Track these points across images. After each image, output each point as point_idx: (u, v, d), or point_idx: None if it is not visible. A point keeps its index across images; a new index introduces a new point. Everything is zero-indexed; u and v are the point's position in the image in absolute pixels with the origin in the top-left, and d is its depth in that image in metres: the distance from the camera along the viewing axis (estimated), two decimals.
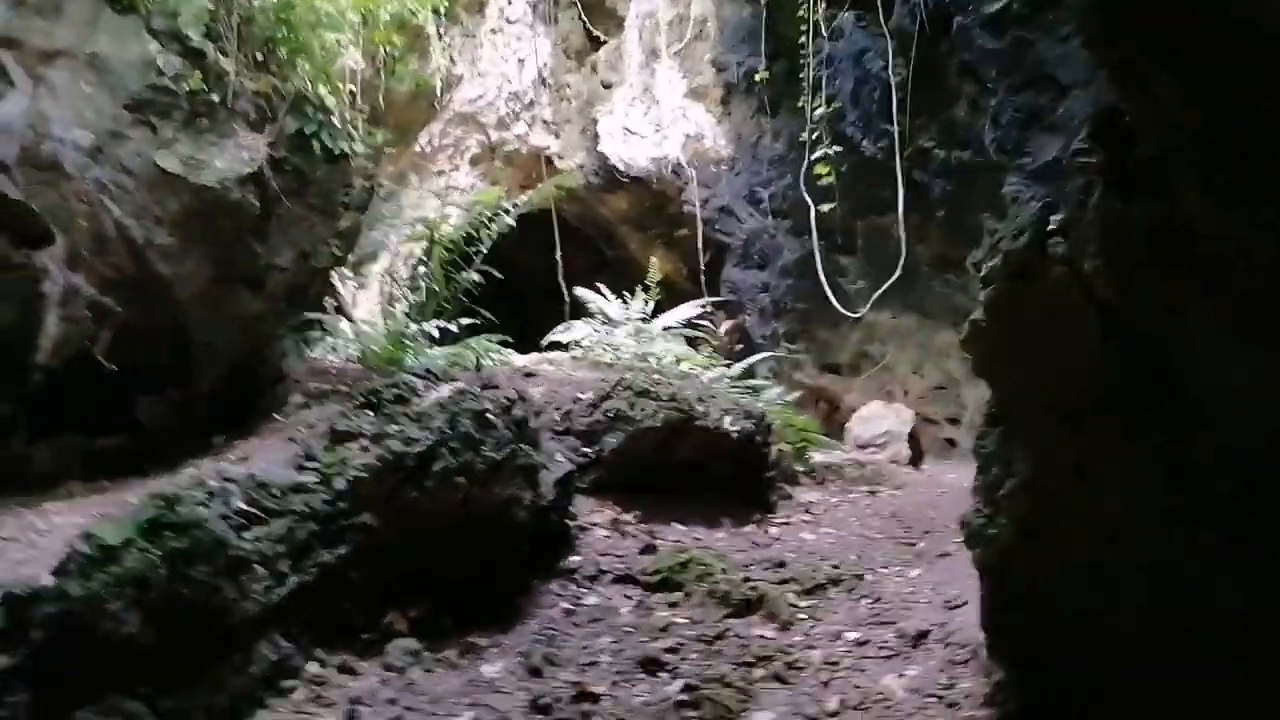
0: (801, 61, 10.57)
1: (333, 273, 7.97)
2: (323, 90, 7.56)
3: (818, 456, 7.28)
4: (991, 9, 8.04)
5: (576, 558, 4.84)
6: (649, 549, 4.99)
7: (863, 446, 8.46)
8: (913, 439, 8.42)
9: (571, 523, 5.14)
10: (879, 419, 8.55)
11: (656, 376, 6.37)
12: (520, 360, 8.60)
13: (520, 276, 14.94)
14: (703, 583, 4.58)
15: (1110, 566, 2.72)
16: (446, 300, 7.08)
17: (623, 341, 9.08)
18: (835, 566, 4.97)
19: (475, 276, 7.34)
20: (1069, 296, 2.68)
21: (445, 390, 4.64)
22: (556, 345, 9.32)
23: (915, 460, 8.35)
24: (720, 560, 4.85)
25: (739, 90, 12.82)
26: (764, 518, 5.95)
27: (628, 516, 5.42)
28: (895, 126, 8.81)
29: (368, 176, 7.17)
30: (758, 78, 11.36)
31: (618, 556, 4.92)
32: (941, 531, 5.84)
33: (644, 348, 8.91)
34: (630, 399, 5.76)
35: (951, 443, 11.51)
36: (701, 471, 5.89)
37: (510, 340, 7.20)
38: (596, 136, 13.38)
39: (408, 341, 6.47)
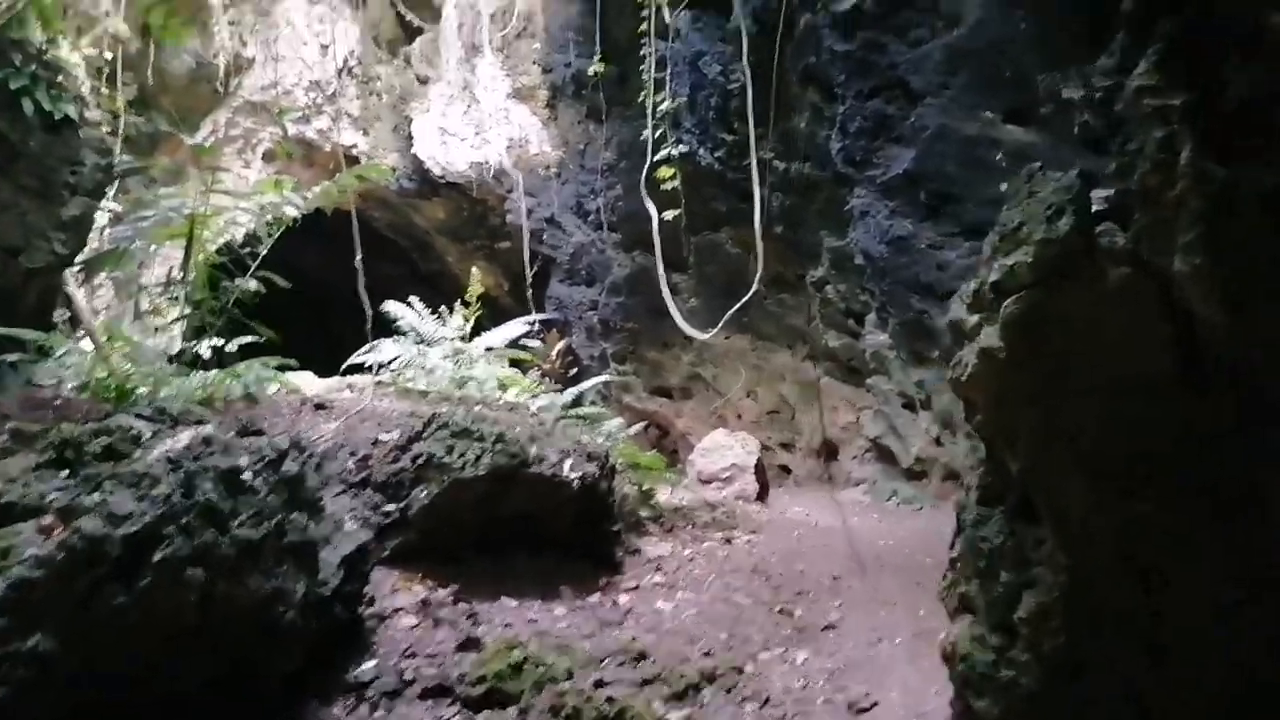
0: (637, 64, 9.54)
1: (67, 276, 6.19)
2: (63, 48, 5.85)
3: (663, 497, 6.20)
4: (842, 8, 7.30)
5: (371, 664, 3.49)
6: (470, 643, 3.69)
7: (707, 481, 7.48)
8: (759, 470, 7.51)
9: (367, 610, 3.79)
10: (723, 450, 7.59)
11: (480, 409, 5.09)
12: (314, 388, 7.06)
13: (323, 290, 13.20)
14: (543, 692, 3.35)
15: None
16: (213, 313, 5.50)
17: (438, 364, 7.69)
18: (707, 654, 3.86)
19: (253, 285, 5.79)
20: (1137, 309, 1.69)
21: (182, 439, 3.20)
22: (359, 369, 7.81)
23: (762, 494, 7.44)
24: (564, 654, 3.64)
25: (566, 93, 11.70)
26: (610, 581, 4.78)
27: (443, 594, 4.10)
28: (751, 132, 7.84)
29: (103, 152, 5.49)
30: (592, 73, 10.22)
31: (428, 657, 3.60)
32: (815, 590, 4.88)
33: (463, 371, 7.56)
34: (447, 440, 4.45)
35: (786, 469, 10.79)
36: (536, 528, 4.67)
37: (294, 364, 5.70)
38: (410, 136, 11.89)
39: (154, 367, 4.87)
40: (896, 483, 8.20)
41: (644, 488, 5.89)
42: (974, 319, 2.02)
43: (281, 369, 5.55)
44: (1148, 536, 1.74)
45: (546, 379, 7.19)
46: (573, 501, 4.70)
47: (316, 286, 15.08)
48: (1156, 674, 1.75)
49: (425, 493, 4.34)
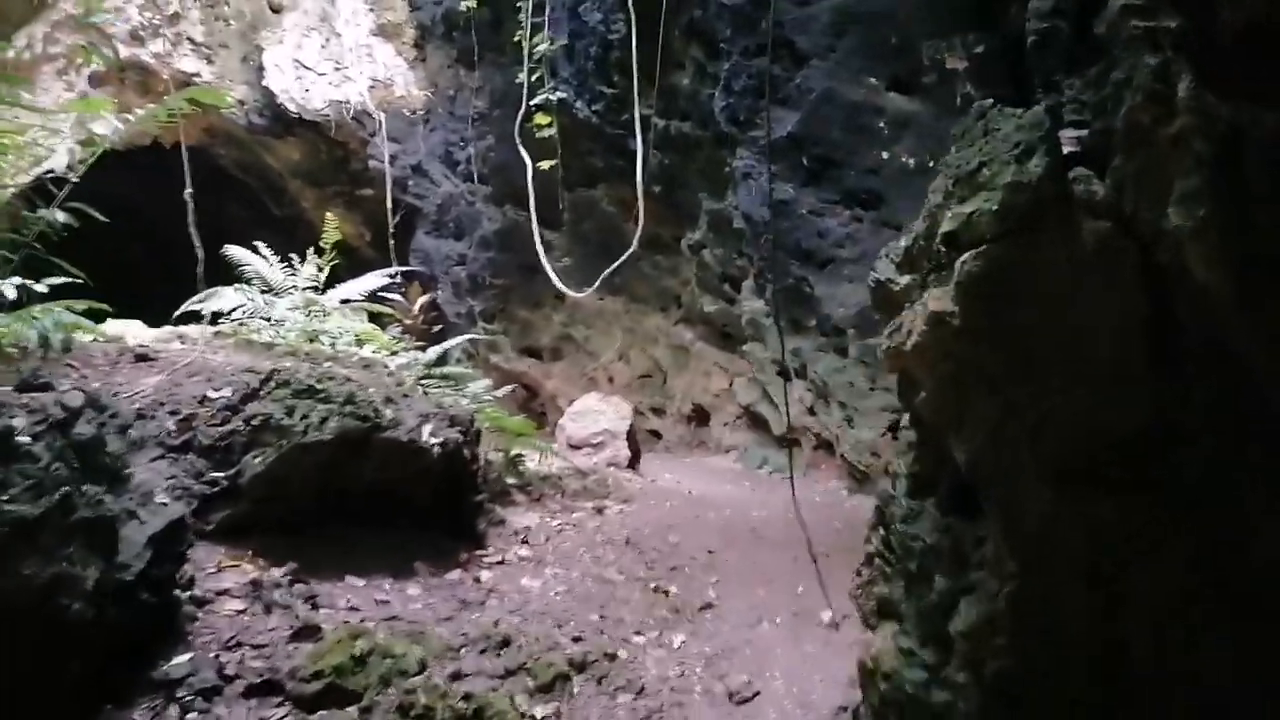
0: (512, 6, 8.91)
1: None
2: None
3: (531, 464, 5.80)
4: None
5: (185, 657, 2.96)
6: (306, 631, 3.21)
7: (577, 447, 7.12)
8: (630, 436, 7.20)
9: (185, 595, 3.24)
10: (594, 414, 7.24)
11: (329, 366, 4.54)
12: (139, 338, 6.27)
13: (163, 231, 12.01)
14: (390, 688, 2.93)
15: None
16: (10, 248, 4.71)
17: (286, 315, 6.99)
18: (577, 638, 3.51)
19: (60, 217, 4.98)
20: (1114, 274, 1.41)
21: None
22: (195, 318, 7.03)
23: (634, 461, 7.15)
24: (416, 642, 3.21)
25: (435, 34, 10.93)
26: (473, 556, 4.36)
27: (277, 573, 3.59)
28: (635, 86, 7.41)
29: None
30: (464, 9, 9.52)
31: (256, 648, 3.11)
32: (690, 565, 4.61)
33: (315, 324, 6.90)
34: (288, 400, 3.90)
35: (656, 434, 10.56)
36: (390, 498, 4.19)
37: (106, 308, 4.95)
38: (261, 68, 10.86)
39: None
40: (768, 450, 8.07)
41: (511, 454, 5.48)
42: (905, 280, 1.72)
43: (92, 315, 4.81)
44: (1112, 543, 1.48)
45: (407, 335, 6.62)
46: (432, 470, 4.24)
47: (155, 227, 13.78)
48: (1114, 699, 1.50)
49: (260, 459, 3.79)
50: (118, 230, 6.77)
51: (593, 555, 4.65)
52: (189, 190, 5.30)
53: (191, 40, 10.91)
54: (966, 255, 1.56)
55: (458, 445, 4.32)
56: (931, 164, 6.32)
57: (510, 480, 5.45)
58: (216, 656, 3.04)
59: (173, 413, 4.01)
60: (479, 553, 4.45)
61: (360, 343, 6.79)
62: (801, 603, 4.00)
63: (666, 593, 4.09)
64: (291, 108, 10.95)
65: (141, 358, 5.08)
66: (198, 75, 10.92)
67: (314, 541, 3.93)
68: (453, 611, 3.68)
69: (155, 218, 14.29)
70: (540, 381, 11.51)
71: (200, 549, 3.64)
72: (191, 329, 6.99)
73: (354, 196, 12.09)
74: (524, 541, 4.75)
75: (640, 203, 7.18)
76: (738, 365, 9.17)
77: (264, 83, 10.84)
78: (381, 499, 4.19)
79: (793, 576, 4.43)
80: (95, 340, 5.88)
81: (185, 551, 3.24)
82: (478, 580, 4.10)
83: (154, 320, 7.09)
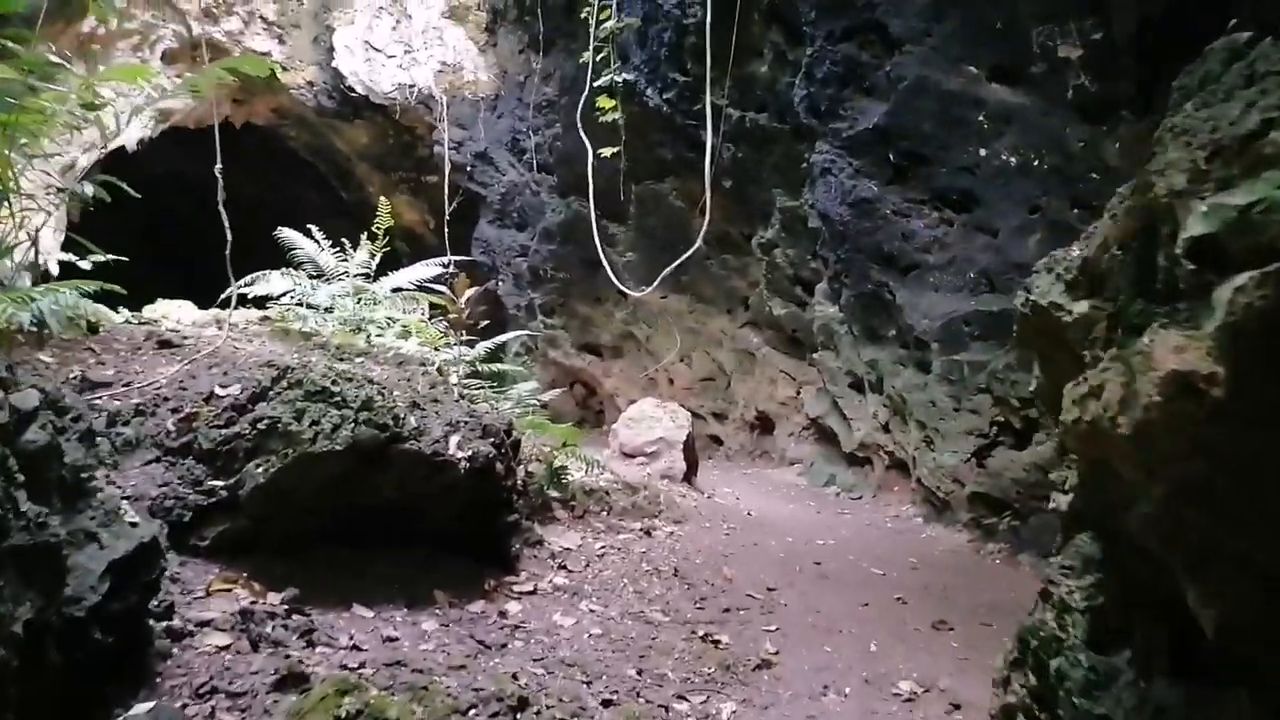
0: None
1: None
2: None
3: (577, 475, 5.26)
4: None
5: (145, 708, 2.48)
6: (292, 680, 2.70)
7: (630, 455, 6.56)
8: (687, 446, 6.61)
9: (159, 625, 2.77)
10: (650, 422, 6.67)
11: (354, 365, 4.04)
12: (177, 320, 5.93)
13: (243, 214, 11.81)
14: None
15: None
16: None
17: (336, 302, 6.58)
18: (607, 702, 2.94)
19: (89, 190, 4.61)
20: None
21: None
22: (244, 303, 6.66)
23: (690, 472, 6.55)
24: (418, 700, 2.68)
25: (507, 18, 10.46)
26: (501, 583, 3.83)
27: (273, 601, 3.10)
28: (708, 73, 6.82)
29: None
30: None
31: (233, 697, 2.61)
32: (746, 608, 4.00)
33: (365, 312, 6.48)
34: (299, 402, 3.42)
35: (716, 440, 9.96)
36: (411, 516, 3.69)
37: (118, 289, 4.51)
38: (332, 49, 10.54)
39: None
40: (835, 467, 7.40)
41: (554, 465, 4.93)
42: (1081, 307, 1.14)
43: (95, 296, 4.40)
44: None
45: (450, 330, 6.13)
46: (459, 486, 3.71)
47: (232, 210, 13.66)
48: None
49: (263, 468, 3.30)
50: (191, 208, 6.45)
51: (636, 588, 4.08)
52: (219, 166, 4.83)
53: (264, 19, 10.63)
54: (1243, 279, 0.93)
55: (489, 459, 3.79)
56: (1036, 162, 5.59)
57: (553, 493, 4.91)
58: (184, 707, 2.55)
59: (175, 410, 3.56)
60: (509, 579, 3.91)
61: (407, 335, 6.34)
62: (875, 666, 3.36)
63: (717, 643, 3.49)
64: (360, 90, 10.61)
65: (165, 344, 4.69)
66: (269, 54, 10.64)
67: (321, 563, 3.44)
68: (468, 656, 3.15)
69: (234, 200, 14.16)
70: (599, 379, 10.99)
71: (191, 568, 3.18)
72: (237, 314, 6.63)
73: (420, 183, 11.72)
74: (561, 566, 4.20)
75: (708, 197, 6.58)
76: (806, 373, 8.51)
77: (334, 64, 10.52)
78: (401, 516, 3.68)
79: (864, 628, 3.79)
80: (127, 323, 5.54)
81: (159, 578, 2.75)
82: (503, 614, 3.56)
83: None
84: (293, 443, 3.34)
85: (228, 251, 4.84)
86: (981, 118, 5.76)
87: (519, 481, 4.44)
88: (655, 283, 7.15)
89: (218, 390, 3.63)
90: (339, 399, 3.49)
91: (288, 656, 2.88)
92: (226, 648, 2.86)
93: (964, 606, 4.18)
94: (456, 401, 4.24)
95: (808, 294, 8.03)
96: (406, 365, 4.71)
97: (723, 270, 9.23)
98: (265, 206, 12.99)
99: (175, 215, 13.02)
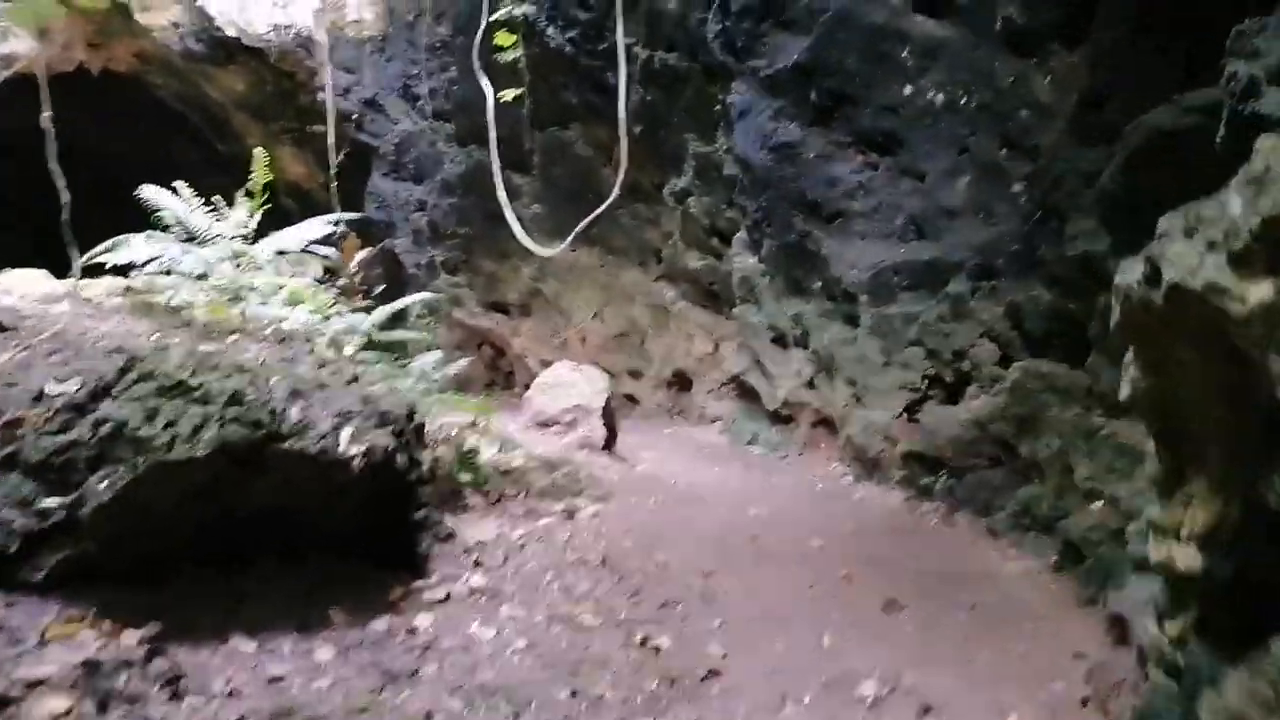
0: None
1: None
2: None
3: (489, 452, 4.76)
4: None
5: None
6: None
7: (546, 424, 6.09)
8: (606, 413, 6.17)
9: None
10: (566, 388, 6.19)
11: (209, 353, 3.41)
12: (21, 295, 5.12)
13: (106, 171, 10.66)
14: None
15: None
16: None
17: (213, 268, 5.84)
18: None
19: None
20: None
21: None
22: (100, 271, 5.86)
23: (610, 440, 6.12)
24: None
25: None
26: (409, 591, 3.34)
27: (127, 643, 2.54)
28: (619, 7, 6.24)
29: None
30: None
31: None
32: (684, 599, 3.62)
33: (244, 279, 5.76)
34: (150, 400, 2.83)
35: (632, 399, 9.53)
36: (298, 522, 3.15)
37: None
38: None
39: None
40: (758, 425, 7.09)
41: (463, 448, 4.42)
42: (1261, 294, 0.75)
43: None
44: None
45: (341, 296, 5.51)
46: (354, 486, 3.18)
47: (95, 167, 12.36)
48: None
49: (107, 481, 2.71)
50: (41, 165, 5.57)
51: (562, 583, 3.64)
52: (46, 114, 4.06)
53: None
54: None
55: (388, 452, 3.27)
56: (964, 100, 5.24)
57: (464, 477, 4.41)
58: None
59: None
60: (418, 585, 3.42)
61: (295, 302, 5.67)
62: (832, 665, 3.02)
63: (657, 649, 3.09)
64: (231, 31, 9.59)
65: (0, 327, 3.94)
66: None
67: (188, 588, 2.89)
68: (372, 691, 2.66)
69: (96, 156, 12.86)
70: (508, 339, 10.42)
71: (22, 609, 2.59)
72: (96, 284, 5.83)
73: (304, 133, 10.75)
74: (477, 563, 3.72)
75: (623, 145, 6.04)
76: (724, 328, 8.14)
77: (199, 2, 9.45)
78: (285, 523, 3.13)
79: (814, 616, 3.45)
80: None
81: None
82: (412, 631, 3.08)
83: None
84: (144, 450, 2.75)
85: (64, 217, 4.10)
86: (906, 53, 5.38)
87: (425, 470, 3.93)
88: (566, 241, 6.63)
89: (50, 388, 2.98)
90: (201, 393, 2.90)
91: (147, 717, 2.34)
92: (66, 714, 2.30)
93: (911, 578, 3.91)
94: (349, 384, 3.67)
95: (724, 245, 7.62)
96: (290, 343, 4.12)
97: (634, 221, 8.73)
98: (132, 161, 11.81)
99: (31, 173, 11.75)
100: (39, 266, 6.36)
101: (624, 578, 3.73)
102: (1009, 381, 4.46)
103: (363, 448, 3.17)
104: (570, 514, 4.48)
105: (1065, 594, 3.77)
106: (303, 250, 6.32)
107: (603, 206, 6.41)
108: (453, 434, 4.50)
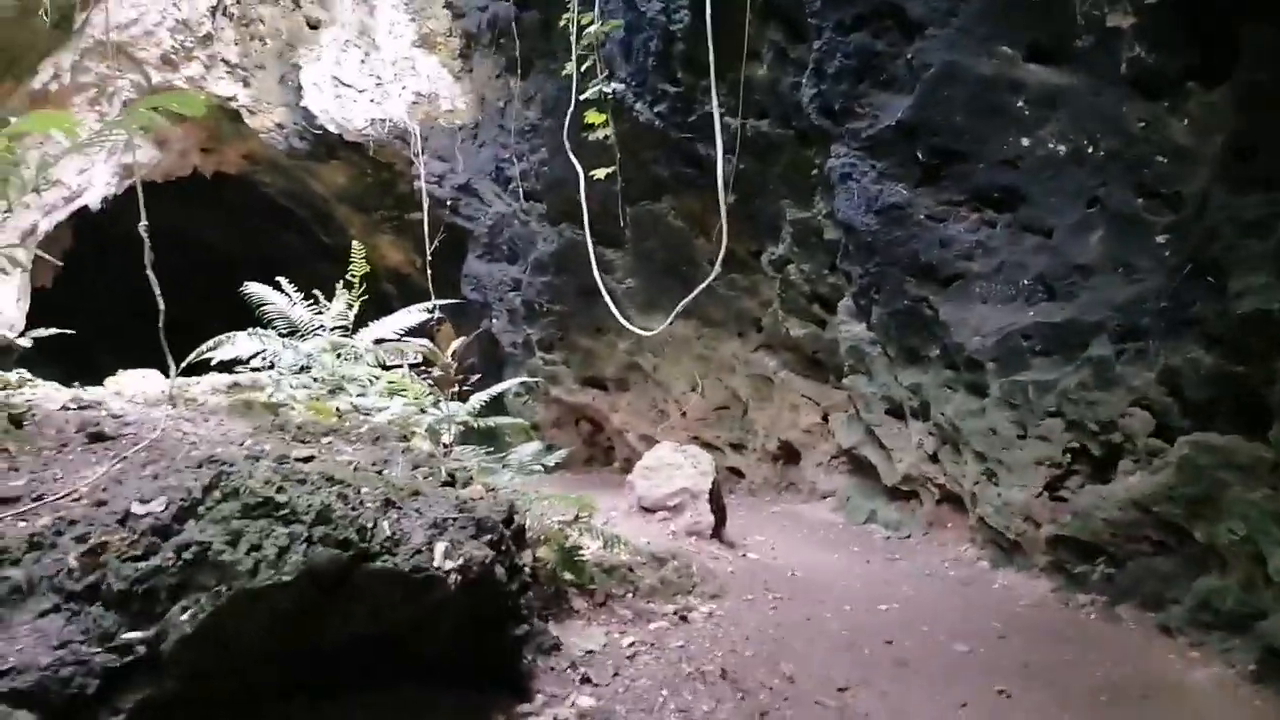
0: (564, 8, 7.50)
1: None
2: None
3: (593, 547, 4.42)
4: None
5: None
6: None
7: (651, 509, 5.73)
8: (713, 495, 5.78)
9: None
10: (670, 470, 5.84)
11: (300, 458, 3.19)
12: (127, 399, 5.10)
13: (232, 267, 11.06)
14: None
15: None
16: None
17: (315, 360, 5.77)
18: None
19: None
20: None
21: None
22: (208, 368, 5.86)
23: (718, 524, 5.71)
24: None
25: (481, 42, 9.69)
26: (511, 717, 2.99)
27: None
28: (713, 77, 6.04)
29: None
30: None
31: None
32: (815, 716, 3.15)
33: (344, 370, 5.67)
34: (233, 520, 2.61)
35: (737, 473, 9.11)
36: (391, 647, 2.87)
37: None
38: (299, 88, 9.78)
39: None
40: (875, 502, 6.57)
41: (566, 546, 4.10)
42: None
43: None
44: None
45: (435, 387, 5.32)
46: (451, 604, 2.89)
47: (210, 263, 12.85)
48: None
49: (189, 612, 2.48)
50: (170, 264, 5.65)
51: (679, 702, 3.24)
52: (143, 223, 4.00)
53: (226, 62, 9.88)
54: None
55: (486, 564, 2.97)
56: (1090, 149, 4.77)
57: (567, 576, 4.08)
58: None
59: (80, 538, 2.72)
60: (521, 709, 3.08)
61: (392, 393, 5.53)
62: None
63: None
64: (332, 128, 9.85)
65: (96, 436, 3.84)
66: (233, 98, 9.90)
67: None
68: None
69: (203, 248, 13.39)
70: (605, 414, 10.16)
71: None
72: (200, 383, 5.82)
73: (403, 221, 10.94)
74: (585, 680, 3.36)
75: (723, 219, 5.76)
76: (831, 398, 7.68)
77: (302, 103, 9.76)
78: (378, 650, 2.85)
79: None
80: (64, 408, 4.71)
81: None
82: None
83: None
84: (227, 576, 2.51)
85: (160, 323, 4.02)
86: (1022, 103, 4.96)
87: (526, 575, 3.61)
88: (668, 320, 6.35)
89: (136, 508, 2.80)
90: (287, 511, 2.66)
91: None
92: None
93: (1082, 694, 3.35)
94: (443, 487, 3.41)
95: (827, 312, 7.22)
96: (383, 442, 3.89)
97: (731, 291, 8.43)
98: (243, 256, 12.23)
99: (156, 274, 12.27)
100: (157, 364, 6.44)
101: (747, 695, 3.30)
102: (1175, 457, 3.90)
103: (458, 562, 2.88)
104: (683, 616, 4.08)
105: (1272, 711, 3.16)
106: (401, 338, 6.22)
107: (706, 282, 6.13)
108: (554, 530, 4.18)
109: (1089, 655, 3.75)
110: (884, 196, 5.54)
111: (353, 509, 2.79)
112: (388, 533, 2.79)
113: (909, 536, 6.02)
